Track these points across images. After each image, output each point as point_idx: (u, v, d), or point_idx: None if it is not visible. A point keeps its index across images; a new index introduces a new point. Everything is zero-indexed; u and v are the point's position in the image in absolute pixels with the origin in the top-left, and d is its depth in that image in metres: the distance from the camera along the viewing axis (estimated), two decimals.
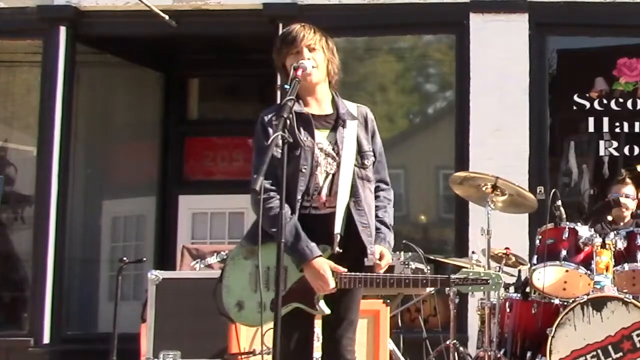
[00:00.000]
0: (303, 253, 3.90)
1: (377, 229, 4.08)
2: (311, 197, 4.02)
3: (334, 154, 4.05)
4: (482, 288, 4.01)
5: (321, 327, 4.11)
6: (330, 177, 4.04)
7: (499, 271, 6.37)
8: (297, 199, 3.96)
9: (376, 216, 4.11)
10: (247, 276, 3.95)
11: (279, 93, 4.15)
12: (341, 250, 3.97)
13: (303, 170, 3.98)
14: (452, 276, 3.97)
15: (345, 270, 3.94)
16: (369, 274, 3.96)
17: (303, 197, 3.99)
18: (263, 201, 3.88)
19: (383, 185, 4.21)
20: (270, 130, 3.94)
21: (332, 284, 3.90)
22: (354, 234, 4.01)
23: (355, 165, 4.06)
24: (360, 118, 4.15)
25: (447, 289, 6.73)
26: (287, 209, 3.84)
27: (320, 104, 4.12)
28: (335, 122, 4.08)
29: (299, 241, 3.90)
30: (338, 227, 3.98)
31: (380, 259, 4.02)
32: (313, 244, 3.91)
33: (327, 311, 3.98)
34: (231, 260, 4.12)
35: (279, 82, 4.19)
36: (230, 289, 4.05)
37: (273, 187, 3.89)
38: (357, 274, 3.94)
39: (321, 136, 4.06)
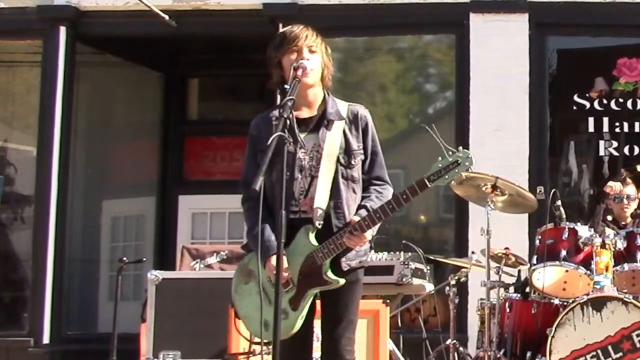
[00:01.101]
0: (264, 250, 3.94)
1: (355, 214, 4.01)
2: (298, 202, 4.02)
3: (319, 156, 4.04)
4: (457, 171, 3.88)
5: (320, 327, 4.11)
6: (316, 179, 4.03)
7: (498, 272, 6.46)
8: (281, 205, 3.94)
9: (359, 206, 4.05)
10: (256, 296, 3.91)
11: (278, 93, 4.13)
12: (322, 223, 3.98)
13: (286, 175, 3.99)
14: (425, 176, 3.89)
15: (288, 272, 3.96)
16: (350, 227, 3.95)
17: (291, 202, 3.99)
18: (246, 212, 4.04)
19: (377, 182, 4.14)
20: (255, 135, 4.04)
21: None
22: (329, 236, 4.00)
23: (340, 165, 4.04)
24: (350, 116, 4.11)
25: (447, 289, 6.75)
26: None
27: (310, 107, 4.12)
28: (319, 122, 4.07)
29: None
30: (319, 202, 3.98)
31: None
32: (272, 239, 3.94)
33: (342, 281, 3.98)
34: (235, 293, 4.16)
35: (273, 79, 4.15)
36: (249, 317, 4.06)
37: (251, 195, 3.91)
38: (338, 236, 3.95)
39: (307, 139, 4.05)
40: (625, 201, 7.10)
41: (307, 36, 4.06)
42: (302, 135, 4.04)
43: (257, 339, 4.22)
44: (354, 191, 4.08)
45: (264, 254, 3.91)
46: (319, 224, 3.98)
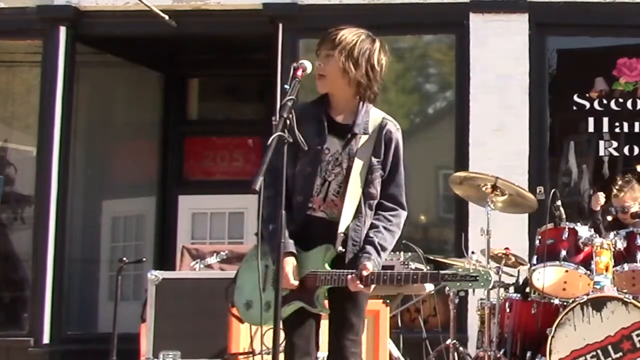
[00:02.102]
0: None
1: (362, 249, 3.97)
2: (311, 199, 4.02)
3: (339, 164, 4.02)
4: (470, 285, 3.86)
5: (327, 328, 4.12)
6: (327, 183, 4.02)
7: (498, 272, 6.46)
8: (297, 200, 3.98)
9: (367, 235, 4.00)
10: (256, 274, 3.90)
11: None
12: (344, 250, 3.97)
13: (307, 170, 4.00)
14: (442, 272, 3.90)
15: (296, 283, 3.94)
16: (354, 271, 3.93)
17: (309, 199, 4.00)
18: (264, 200, 3.94)
19: (388, 204, 4.06)
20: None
21: (292, 281, 3.91)
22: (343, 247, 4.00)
23: (362, 180, 4.01)
24: (377, 130, 4.05)
25: (447, 289, 6.76)
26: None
27: (342, 112, 4.08)
28: (348, 133, 4.04)
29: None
30: (342, 227, 3.97)
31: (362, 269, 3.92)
32: (290, 241, 3.92)
33: (326, 310, 3.99)
34: (245, 261, 4.15)
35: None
36: (241, 289, 4.08)
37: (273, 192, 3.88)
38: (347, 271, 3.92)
39: (332, 143, 4.02)
40: (621, 214, 7.06)
41: (322, 42, 4.05)
42: (329, 138, 4.02)
43: (243, 320, 4.20)
44: (370, 207, 4.04)
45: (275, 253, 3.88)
46: (340, 250, 3.96)
